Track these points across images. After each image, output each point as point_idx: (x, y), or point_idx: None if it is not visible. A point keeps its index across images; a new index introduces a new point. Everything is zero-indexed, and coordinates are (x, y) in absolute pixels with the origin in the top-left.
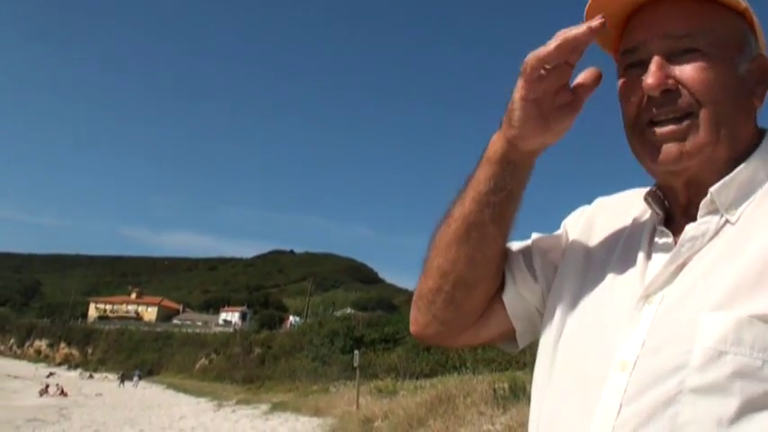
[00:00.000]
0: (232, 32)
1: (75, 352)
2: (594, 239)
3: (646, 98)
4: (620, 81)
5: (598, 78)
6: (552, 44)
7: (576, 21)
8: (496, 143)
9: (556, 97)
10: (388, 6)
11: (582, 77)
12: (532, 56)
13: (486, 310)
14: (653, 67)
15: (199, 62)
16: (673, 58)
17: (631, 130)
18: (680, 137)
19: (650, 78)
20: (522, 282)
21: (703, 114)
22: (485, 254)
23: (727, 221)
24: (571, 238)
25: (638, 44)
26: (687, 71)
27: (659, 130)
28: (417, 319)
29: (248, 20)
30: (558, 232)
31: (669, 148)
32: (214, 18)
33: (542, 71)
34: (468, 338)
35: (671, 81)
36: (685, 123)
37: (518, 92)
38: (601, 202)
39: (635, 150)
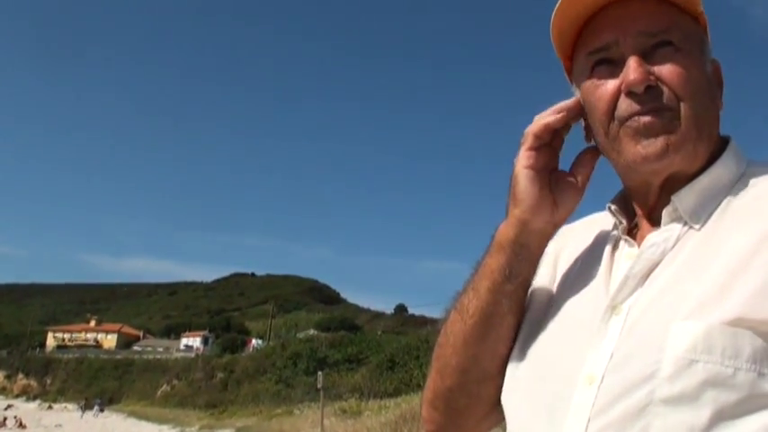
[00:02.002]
0: (195, 54)
1: (33, 383)
2: (561, 264)
3: (623, 95)
4: (589, 80)
5: (595, 157)
6: (554, 114)
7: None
8: (506, 228)
9: (553, 175)
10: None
11: (579, 158)
12: (538, 125)
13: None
14: (633, 63)
15: (154, 86)
16: (647, 55)
17: (606, 129)
18: (664, 129)
19: (633, 74)
20: None
21: (684, 109)
22: (506, 344)
23: (690, 228)
24: (539, 273)
25: (609, 43)
26: (665, 67)
27: (644, 119)
28: (435, 419)
29: (219, 41)
30: None
31: (656, 142)
32: (182, 40)
33: (541, 142)
34: (492, 422)
35: (652, 77)
36: (667, 116)
37: (520, 162)
38: (562, 230)
39: (610, 149)
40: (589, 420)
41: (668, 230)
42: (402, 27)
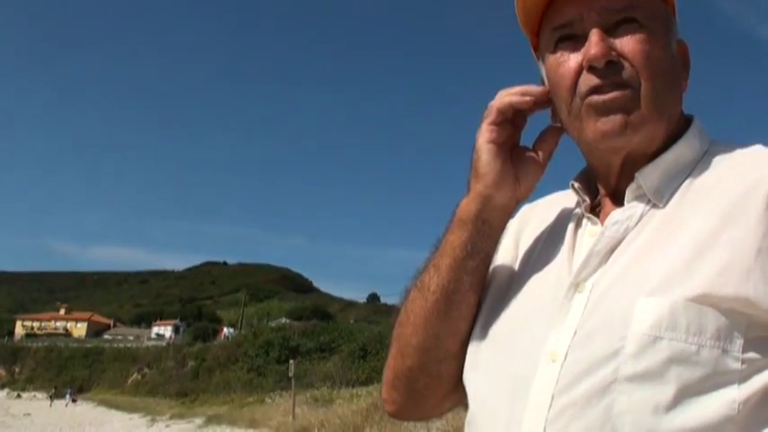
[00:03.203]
0: (168, 44)
1: (1, 371)
2: (523, 242)
3: (584, 71)
4: (552, 56)
5: (558, 134)
6: (520, 95)
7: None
8: (468, 204)
9: (515, 150)
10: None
11: (542, 135)
12: (503, 102)
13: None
14: (594, 38)
15: (121, 74)
16: (610, 31)
17: (568, 106)
18: (623, 107)
19: (594, 48)
20: None
21: (644, 88)
22: (467, 322)
23: (653, 206)
24: (500, 252)
25: (573, 19)
26: (628, 43)
27: (603, 97)
28: (396, 400)
29: (196, 31)
30: None
31: (614, 119)
32: (159, 32)
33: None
34: (453, 402)
35: (614, 53)
36: (628, 93)
37: (483, 135)
38: (524, 209)
39: (572, 126)
40: (553, 398)
41: (632, 208)
42: (373, 15)
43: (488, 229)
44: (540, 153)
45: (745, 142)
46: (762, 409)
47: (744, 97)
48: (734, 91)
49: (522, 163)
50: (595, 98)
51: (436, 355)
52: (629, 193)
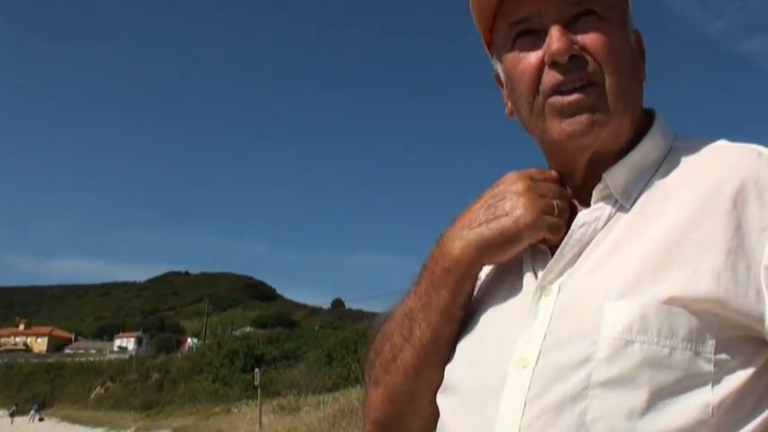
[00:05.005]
0: (123, 50)
1: None
2: None
3: (547, 67)
4: (511, 53)
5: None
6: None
7: None
8: (467, 258)
9: None
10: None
11: None
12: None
13: None
14: (556, 32)
15: (76, 83)
16: (570, 24)
17: (530, 104)
18: (589, 107)
19: (556, 43)
20: None
21: (609, 82)
22: None
23: (621, 206)
24: None
25: (531, 14)
26: (589, 36)
27: (568, 98)
28: None
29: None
30: None
31: (580, 119)
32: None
33: None
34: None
35: (576, 46)
36: (593, 92)
37: (534, 232)
38: None
39: (535, 125)
40: (525, 405)
41: (599, 209)
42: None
43: (476, 280)
44: None
45: (703, 137)
46: (735, 411)
47: (697, 92)
48: (686, 86)
49: None
50: (559, 100)
51: (427, 399)
52: (595, 194)
